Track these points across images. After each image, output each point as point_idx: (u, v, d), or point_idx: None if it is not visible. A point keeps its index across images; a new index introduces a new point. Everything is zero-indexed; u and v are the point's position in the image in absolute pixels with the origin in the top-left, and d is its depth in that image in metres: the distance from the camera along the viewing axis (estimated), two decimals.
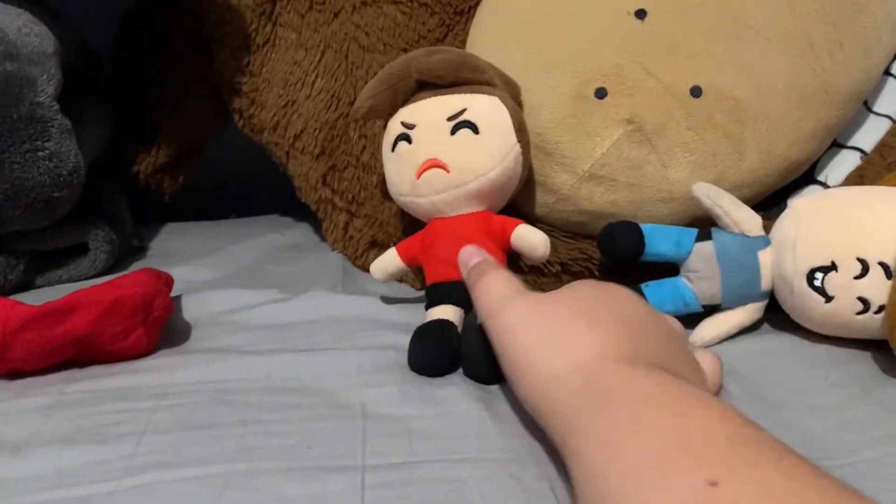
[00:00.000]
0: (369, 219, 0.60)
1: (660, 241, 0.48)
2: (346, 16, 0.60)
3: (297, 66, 0.61)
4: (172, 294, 0.51)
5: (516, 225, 0.48)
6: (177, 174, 0.75)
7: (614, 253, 0.49)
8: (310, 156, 0.61)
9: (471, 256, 0.44)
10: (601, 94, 0.49)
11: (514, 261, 0.54)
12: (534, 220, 0.54)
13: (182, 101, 0.72)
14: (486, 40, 0.56)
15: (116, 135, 0.70)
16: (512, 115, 0.49)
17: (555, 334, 0.35)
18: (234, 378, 0.43)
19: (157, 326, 0.47)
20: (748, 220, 0.47)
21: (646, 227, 0.48)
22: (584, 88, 0.49)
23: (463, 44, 0.59)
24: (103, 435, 0.37)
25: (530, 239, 0.47)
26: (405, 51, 0.59)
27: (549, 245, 0.47)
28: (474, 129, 0.48)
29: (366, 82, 0.58)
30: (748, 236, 0.47)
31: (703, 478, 0.24)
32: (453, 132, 0.48)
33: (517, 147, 0.49)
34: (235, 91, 0.64)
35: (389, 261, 0.52)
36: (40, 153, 0.53)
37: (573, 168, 0.51)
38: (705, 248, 0.47)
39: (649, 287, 0.48)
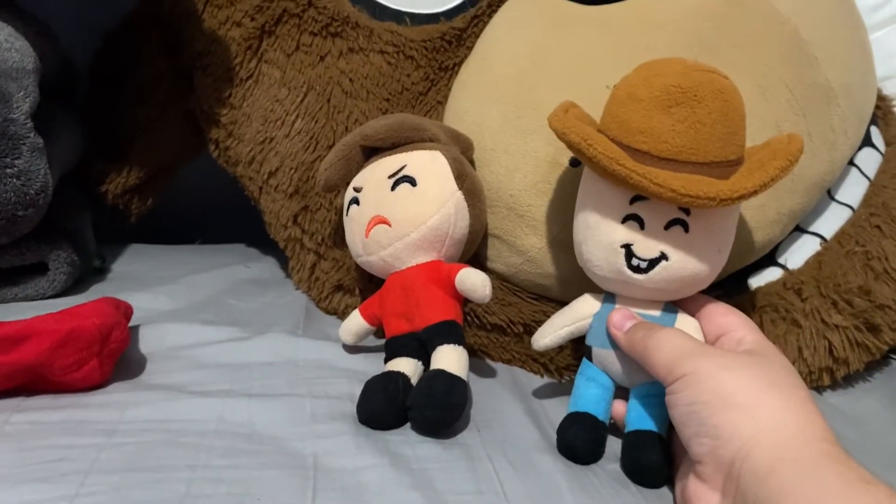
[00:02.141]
0: (337, 262, 0.60)
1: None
2: (332, 60, 0.61)
3: (279, 104, 0.61)
4: (130, 324, 0.50)
5: (460, 269, 0.49)
6: (146, 196, 0.75)
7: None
8: (283, 194, 0.61)
9: (623, 318, 0.44)
10: (575, 163, 0.50)
11: (470, 320, 0.54)
12: (500, 279, 0.55)
13: (158, 124, 0.71)
14: (467, 98, 0.57)
15: (87, 151, 0.69)
16: (451, 165, 0.50)
17: (775, 393, 0.36)
18: (185, 419, 0.43)
19: (113, 359, 0.46)
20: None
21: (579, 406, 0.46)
22: (559, 156, 0.50)
23: (445, 99, 0.60)
24: (46, 472, 0.36)
25: (471, 280, 0.48)
26: (387, 101, 0.60)
27: (488, 285, 0.47)
28: (412, 182, 0.50)
29: (346, 128, 0.59)
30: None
31: None
32: (393, 188, 0.50)
33: (457, 194, 0.50)
34: (214, 121, 0.64)
35: (354, 323, 0.54)
36: (9, 170, 0.53)
37: (543, 232, 0.51)
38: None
39: None
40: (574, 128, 0.41)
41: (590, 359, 0.47)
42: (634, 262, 0.43)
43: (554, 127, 0.43)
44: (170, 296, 0.61)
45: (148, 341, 0.52)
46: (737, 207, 0.44)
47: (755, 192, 0.39)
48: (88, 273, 0.65)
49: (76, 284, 0.62)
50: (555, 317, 0.48)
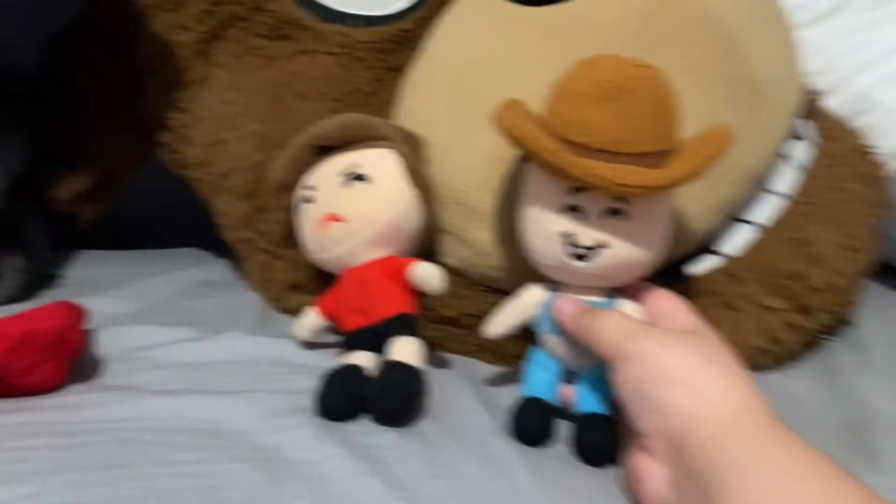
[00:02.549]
0: (291, 262, 0.61)
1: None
2: (281, 62, 0.61)
3: (229, 107, 0.62)
4: (85, 327, 0.50)
5: (414, 262, 0.50)
6: (97, 202, 0.74)
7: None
8: (235, 195, 0.62)
9: (569, 305, 0.46)
10: (524, 159, 0.52)
11: (425, 314, 0.56)
12: (453, 273, 0.56)
13: (107, 128, 0.71)
14: (417, 98, 0.58)
15: (36, 158, 0.69)
16: (403, 162, 0.52)
17: (714, 368, 0.38)
18: (145, 417, 0.43)
19: (69, 361, 0.46)
20: None
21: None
22: (504, 153, 0.52)
23: (395, 99, 0.61)
24: (7, 474, 0.36)
25: (424, 272, 0.49)
26: (338, 101, 0.61)
27: (442, 278, 0.49)
28: (366, 179, 0.51)
29: (298, 129, 0.60)
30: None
31: None
32: (347, 186, 0.51)
33: (410, 190, 0.52)
34: (164, 125, 0.65)
35: (309, 319, 0.54)
36: None
37: (493, 227, 0.53)
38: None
39: None
40: (515, 123, 0.43)
41: (538, 345, 0.49)
42: (576, 250, 0.45)
43: (497, 123, 0.45)
44: (124, 299, 0.61)
45: (104, 344, 0.52)
46: (671, 196, 0.46)
47: (685, 180, 0.41)
48: (41, 280, 0.65)
49: (29, 291, 0.62)
50: (503, 306, 0.50)
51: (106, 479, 0.37)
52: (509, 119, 0.44)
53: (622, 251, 0.44)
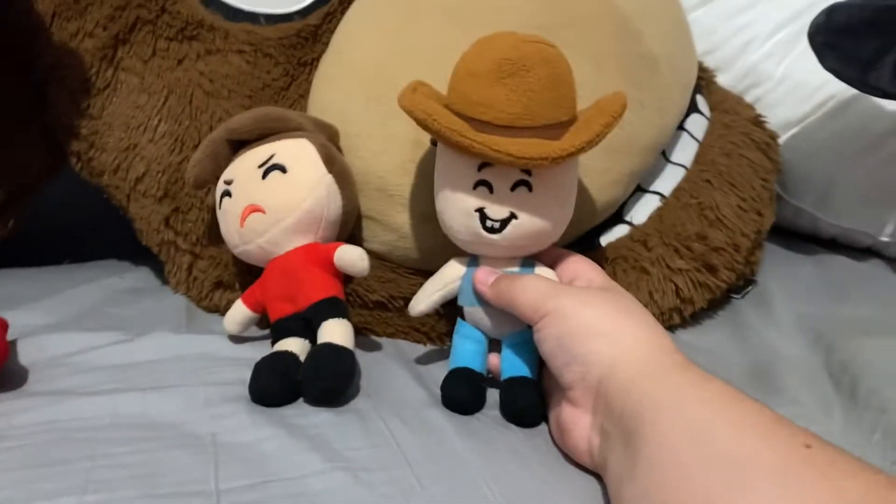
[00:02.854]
0: (214, 259, 0.61)
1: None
2: (190, 63, 0.62)
3: (140, 110, 0.61)
4: (7, 338, 0.49)
5: (337, 246, 0.51)
6: (6, 219, 0.72)
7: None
8: (152, 199, 0.61)
9: (487, 274, 0.48)
10: (435, 141, 0.54)
11: (353, 300, 0.57)
12: (377, 258, 0.58)
13: (13, 142, 0.69)
14: (329, 90, 0.60)
15: None
16: (319, 151, 0.53)
17: (631, 319, 0.41)
18: (77, 417, 0.43)
19: None
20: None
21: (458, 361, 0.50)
22: (421, 136, 0.54)
23: (307, 93, 0.62)
24: None
25: (348, 255, 0.50)
26: (249, 97, 0.62)
27: (366, 259, 0.50)
28: (283, 169, 0.52)
29: (211, 127, 0.60)
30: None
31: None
32: (264, 176, 0.52)
33: (328, 177, 0.53)
34: (73, 134, 0.64)
35: (237, 312, 0.55)
36: None
37: (412, 209, 0.55)
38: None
39: None
40: (420, 105, 0.45)
41: (463, 318, 0.51)
42: (488, 223, 0.47)
43: (402, 105, 0.46)
44: (46, 310, 0.60)
45: (28, 353, 0.51)
46: (574, 165, 0.49)
47: (583, 149, 0.44)
48: None
49: None
50: (426, 284, 0.52)
51: (43, 475, 0.37)
52: (413, 100, 0.45)
53: (530, 220, 0.46)
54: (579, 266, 0.48)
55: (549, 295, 0.43)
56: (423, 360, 0.55)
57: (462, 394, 0.47)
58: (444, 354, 0.56)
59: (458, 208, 0.47)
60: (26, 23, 0.63)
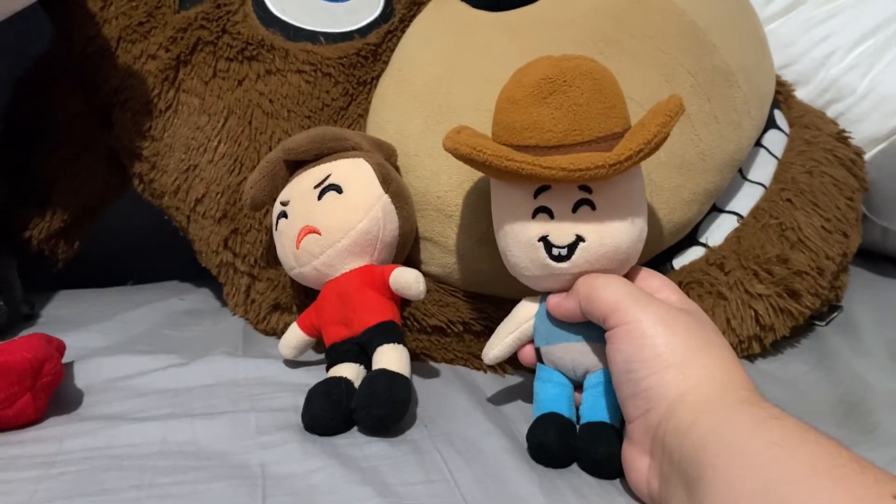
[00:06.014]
0: (272, 282, 0.60)
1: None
2: (249, 83, 0.61)
3: (200, 132, 0.61)
4: (64, 360, 0.49)
5: (393, 269, 0.49)
6: (72, 239, 0.73)
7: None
8: (211, 220, 0.61)
9: (560, 296, 0.45)
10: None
11: (410, 324, 0.55)
12: (436, 281, 0.56)
13: (78, 164, 0.70)
14: (387, 108, 0.58)
15: (7, 198, 0.68)
16: (376, 170, 0.51)
17: (707, 351, 0.38)
18: (127, 444, 0.42)
19: (46, 393, 0.45)
20: None
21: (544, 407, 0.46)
22: None
23: (366, 112, 0.61)
24: None
25: (404, 277, 0.49)
26: (309, 117, 0.61)
27: (422, 281, 0.48)
28: (338, 189, 0.50)
29: (269, 148, 0.60)
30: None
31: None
32: (320, 197, 0.51)
33: (384, 198, 0.51)
34: (136, 155, 0.64)
35: (293, 336, 0.54)
36: None
37: (471, 230, 0.53)
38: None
39: None
40: (463, 141, 0.43)
41: (541, 361, 0.47)
42: (554, 251, 0.44)
43: (446, 147, 0.44)
44: (103, 333, 0.60)
45: (83, 376, 0.51)
46: (639, 176, 0.45)
47: (642, 151, 0.41)
48: (17, 320, 0.64)
49: (4, 331, 0.61)
50: (499, 327, 0.49)
51: None
52: (457, 139, 0.43)
53: (599, 241, 0.43)
54: (653, 282, 0.44)
55: (630, 302, 0.39)
56: (484, 388, 0.52)
57: (551, 439, 0.43)
58: (505, 382, 0.53)
59: (521, 241, 0.45)
60: (94, 47, 0.64)
